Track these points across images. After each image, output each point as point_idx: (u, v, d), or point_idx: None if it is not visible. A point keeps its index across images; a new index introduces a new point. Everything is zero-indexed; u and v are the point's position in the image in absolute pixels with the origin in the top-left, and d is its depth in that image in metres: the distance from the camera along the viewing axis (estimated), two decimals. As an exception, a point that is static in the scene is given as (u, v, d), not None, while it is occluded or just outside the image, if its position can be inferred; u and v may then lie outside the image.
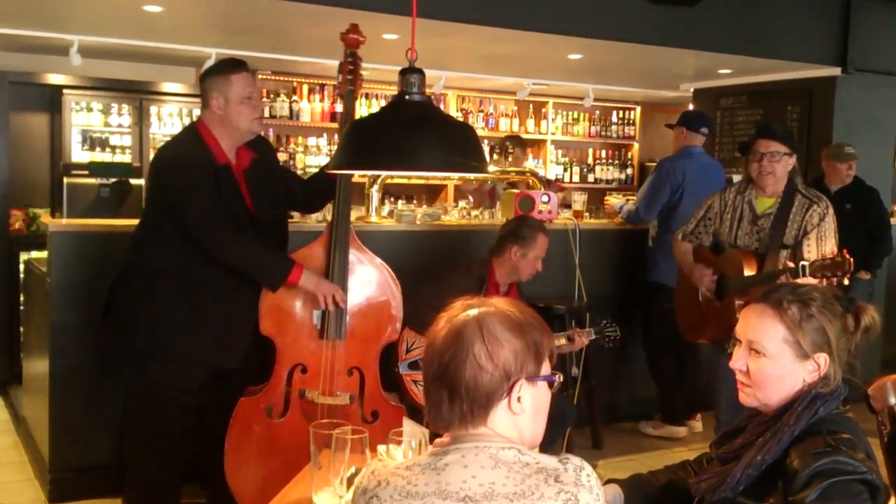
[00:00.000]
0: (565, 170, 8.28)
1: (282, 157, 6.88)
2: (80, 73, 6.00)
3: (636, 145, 8.64)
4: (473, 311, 1.47)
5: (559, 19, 4.95)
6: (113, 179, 5.96)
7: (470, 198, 6.53)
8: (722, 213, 3.79)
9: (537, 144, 8.21)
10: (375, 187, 4.70)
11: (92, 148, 6.30)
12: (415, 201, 7.18)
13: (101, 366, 3.81)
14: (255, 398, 3.28)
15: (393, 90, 5.13)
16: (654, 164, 5.54)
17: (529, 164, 7.95)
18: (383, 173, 4.56)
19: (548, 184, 5.62)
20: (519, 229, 3.87)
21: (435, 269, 4.00)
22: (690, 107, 7.13)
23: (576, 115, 8.34)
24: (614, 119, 8.53)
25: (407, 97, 1.96)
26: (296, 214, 4.08)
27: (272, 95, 6.91)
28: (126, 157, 6.39)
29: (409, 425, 1.97)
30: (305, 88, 7.04)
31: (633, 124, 8.61)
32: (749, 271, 3.55)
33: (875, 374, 2.45)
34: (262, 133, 3.59)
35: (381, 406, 3.35)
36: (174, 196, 3.13)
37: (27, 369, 4.85)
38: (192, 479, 3.55)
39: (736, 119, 6.77)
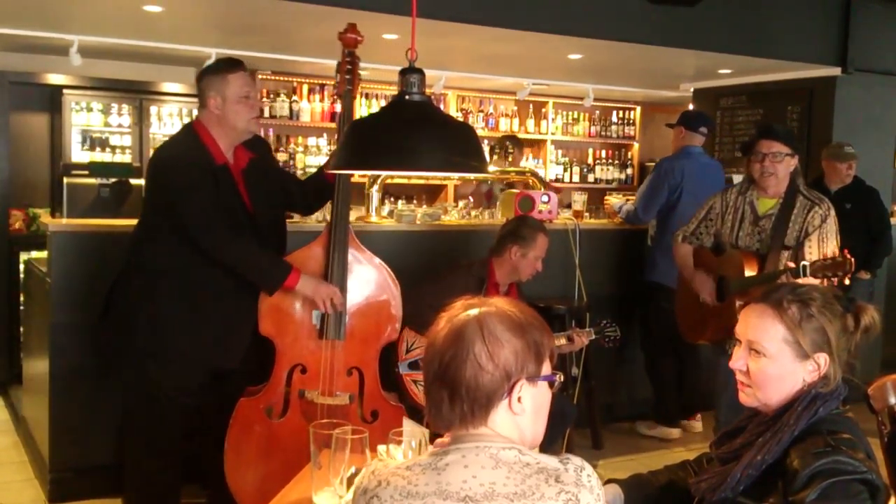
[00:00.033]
0: (565, 170, 8.28)
1: (282, 157, 6.88)
2: (80, 73, 6.00)
3: (636, 145, 8.64)
4: (474, 311, 1.47)
5: (559, 19, 4.95)
6: (113, 179, 5.96)
7: (470, 198, 6.54)
8: (723, 213, 3.78)
9: (537, 144, 8.21)
10: (375, 187, 4.71)
11: (92, 148, 6.30)
12: (415, 201, 7.18)
13: (101, 366, 3.81)
14: (254, 398, 3.28)
15: (393, 90, 5.12)
16: (654, 164, 5.54)
17: (529, 164, 7.97)
18: (383, 173, 4.56)
19: (544, 186, 5.62)
20: (519, 229, 3.87)
21: (435, 269, 4.00)
22: (690, 107, 7.13)
23: (576, 115, 8.34)
24: (614, 119, 8.53)
25: (407, 97, 1.96)
26: (295, 215, 4.08)
27: (272, 95, 6.90)
28: (126, 157, 6.39)
29: (409, 425, 1.97)
30: (305, 88, 7.04)
31: (633, 124, 8.61)
32: (750, 272, 3.55)
33: (875, 374, 2.45)
34: (262, 133, 3.58)
35: (380, 406, 3.35)
36: (172, 196, 3.13)
37: (27, 369, 4.85)
38: (192, 479, 3.55)
39: (736, 119, 6.77)
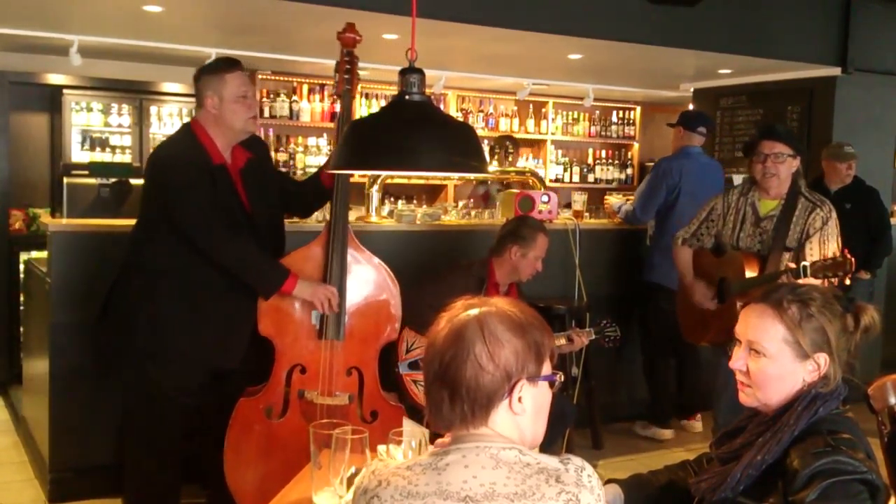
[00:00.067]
0: (565, 170, 8.28)
1: (282, 157, 6.88)
2: (80, 73, 6.01)
3: (636, 145, 8.64)
4: (474, 311, 1.47)
5: (559, 19, 4.95)
6: (113, 179, 5.95)
7: (470, 200, 6.55)
8: (725, 214, 3.78)
9: (537, 144, 8.21)
10: (375, 187, 4.71)
11: (92, 148, 6.30)
12: (415, 201, 7.18)
13: (101, 366, 3.81)
14: (254, 399, 3.28)
15: (393, 90, 5.12)
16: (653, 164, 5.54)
17: (529, 164, 7.97)
18: (383, 173, 4.56)
19: (544, 186, 5.62)
20: (519, 229, 3.87)
21: (435, 269, 4.00)
22: (690, 107, 7.13)
23: (576, 115, 8.34)
24: (614, 119, 8.53)
25: (407, 97, 1.96)
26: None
27: (272, 95, 6.90)
28: (126, 157, 6.39)
29: (409, 425, 1.97)
30: (305, 88, 7.03)
31: (633, 124, 8.61)
32: (751, 273, 3.55)
33: (875, 374, 2.45)
34: (261, 133, 3.58)
35: (380, 406, 3.35)
36: (170, 195, 3.13)
37: (27, 369, 4.85)
38: (192, 479, 3.55)
39: (736, 119, 6.77)
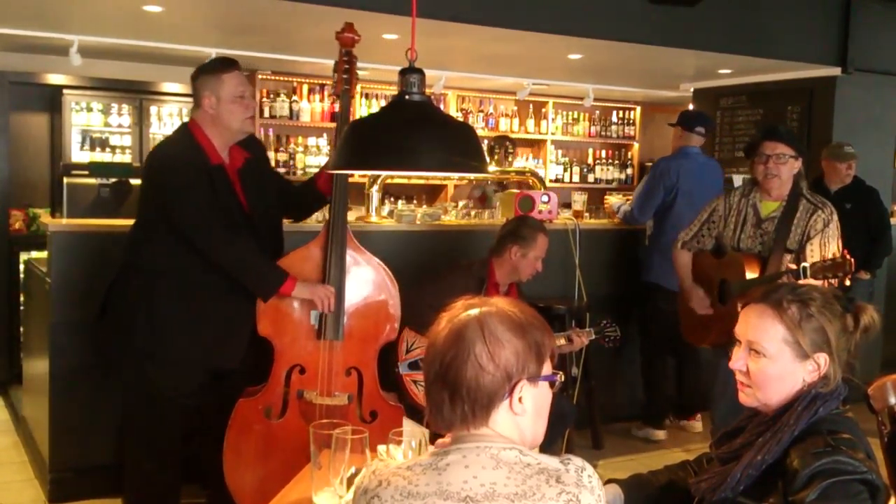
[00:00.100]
0: (565, 170, 8.28)
1: (282, 157, 6.88)
2: (80, 73, 6.00)
3: (636, 145, 8.64)
4: (475, 311, 1.47)
5: (559, 19, 4.95)
6: (113, 179, 5.96)
7: (469, 201, 6.54)
8: (726, 216, 3.78)
9: (537, 144, 8.21)
10: (375, 187, 4.71)
11: (92, 148, 6.30)
12: (415, 201, 7.18)
13: (101, 366, 3.81)
14: (253, 399, 3.28)
15: (393, 90, 5.12)
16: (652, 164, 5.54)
17: (529, 164, 7.97)
18: (383, 173, 4.56)
19: (543, 186, 5.62)
20: (519, 229, 3.87)
21: (435, 269, 4.00)
22: (690, 107, 7.13)
23: (576, 115, 8.34)
24: (614, 119, 8.53)
25: (407, 97, 1.96)
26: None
27: (272, 95, 6.89)
28: (126, 157, 6.39)
29: (409, 425, 1.97)
30: (305, 88, 7.03)
31: (633, 124, 8.61)
32: (751, 274, 3.55)
33: (875, 374, 2.45)
34: (261, 133, 3.58)
35: (379, 406, 3.35)
36: (168, 196, 3.12)
37: (27, 369, 4.85)
38: (192, 479, 3.55)
39: (736, 119, 6.77)
